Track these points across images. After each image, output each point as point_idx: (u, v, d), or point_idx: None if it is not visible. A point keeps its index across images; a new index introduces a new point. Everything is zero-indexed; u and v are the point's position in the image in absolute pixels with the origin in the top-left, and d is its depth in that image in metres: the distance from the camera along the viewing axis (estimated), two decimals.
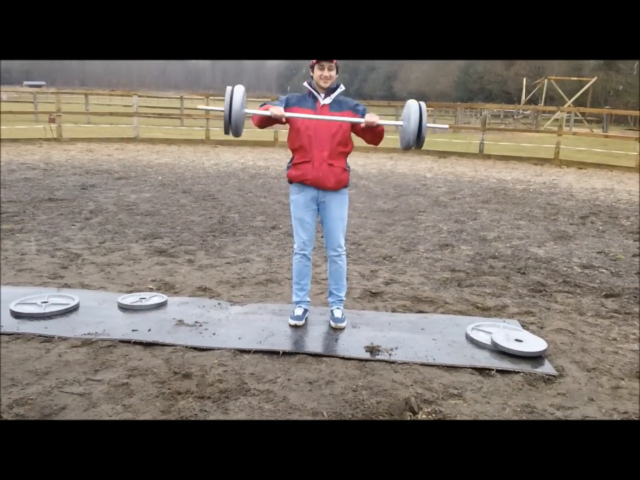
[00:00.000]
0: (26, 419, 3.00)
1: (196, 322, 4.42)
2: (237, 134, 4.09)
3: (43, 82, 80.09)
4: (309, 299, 4.64)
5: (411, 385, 3.58)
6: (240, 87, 4.00)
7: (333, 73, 4.21)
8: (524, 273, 6.12)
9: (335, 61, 4.19)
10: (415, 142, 3.93)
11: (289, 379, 3.59)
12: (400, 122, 4.09)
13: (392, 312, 4.82)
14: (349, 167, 4.44)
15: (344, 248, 4.54)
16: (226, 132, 4.08)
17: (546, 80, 39.92)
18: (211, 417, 3.13)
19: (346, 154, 4.38)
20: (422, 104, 3.94)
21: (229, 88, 3.95)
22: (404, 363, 3.88)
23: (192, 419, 3.10)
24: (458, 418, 3.22)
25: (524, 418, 3.26)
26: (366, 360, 3.90)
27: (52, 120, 17.77)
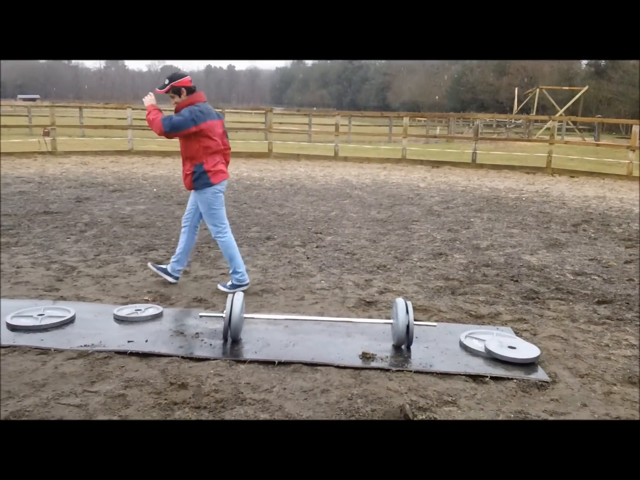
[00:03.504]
0: (26, 419, 3.01)
1: (192, 332, 4.45)
2: (235, 338, 4.35)
3: (37, 96, 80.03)
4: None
5: (406, 392, 3.61)
6: (240, 293, 4.42)
7: (174, 100, 5.23)
8: (516, 281, 6.16)
9: (168, 88, 5.18)
10: (406, 339, 4.26)
11: (284, 388, 3.62)
12: (390, 321, 4.53)
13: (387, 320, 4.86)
14: (196, 169, 5.34)
15: (219, 230, 5.55)
16: (225, 338, 4.33)
17: (538, 90, 40.16)
18: None
19: (188, 159, 5.38)
20: (409, 303, 4.31)
21: (229, 296, 4.35)
22: (399, 371, 3.91)
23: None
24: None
25: None
26: (361, 369, 3.93)
27: (46, 134, 17.80)
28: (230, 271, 5.61)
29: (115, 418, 3.21)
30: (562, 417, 3.39)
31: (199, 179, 5.34)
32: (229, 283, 5.60)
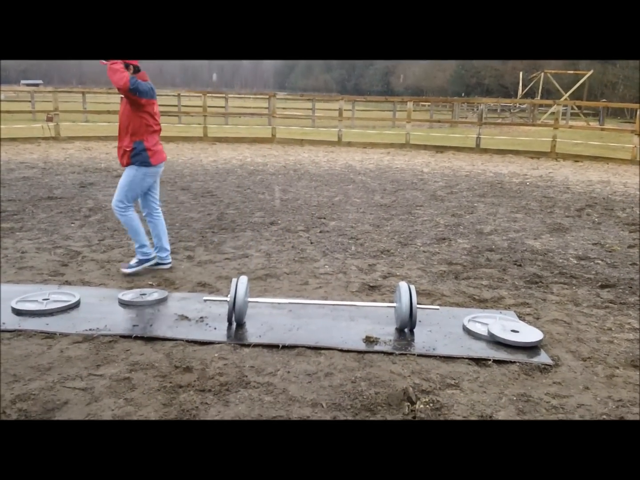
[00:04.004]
0: (26, 419, 3.04)
1: (196, 317, 4.47)
2: (239, 321, 4.38)
3: (40, 81, 79.74)
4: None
5: (409, 375, 3.63)
6: (244, 277, 4.42)
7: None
8: (520, 265, 6.17)
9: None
10: (409, 323, 4.28)
11: (288, 372, 3.65)
12: (394, 305, 4.52)
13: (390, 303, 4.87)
14: (136, 146, 5.34)
15: (121, 206, 5.48)
16: (229, 322, 4.36)
17: (543, 74, 39.93)
18: (212, 410, 3.18)
19: (129, 134, 5.34)
20: (412, 287, 4.35)
21: (233, 280, 4.35)
22: (402, 354, 3.93)
23: (194, 412, 3.15)
24: (455, 407, 3.27)
25: (520, 407, 3.31)
26: (364, 352, 3.95)
27: (49, 119, 17.80)
28: (136, 246, 5.62)
29: (120, 401, 3.24)
30: (564, 400, 3.41)
31: (137, 156, 5.34)
32: (134, 261, 5.62)
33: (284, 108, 30.34)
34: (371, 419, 3.13)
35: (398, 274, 5.77)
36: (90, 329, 4.18)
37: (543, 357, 3.96)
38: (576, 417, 3.24)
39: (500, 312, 4.75)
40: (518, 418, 3.19)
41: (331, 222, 8.04)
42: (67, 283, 5.22)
